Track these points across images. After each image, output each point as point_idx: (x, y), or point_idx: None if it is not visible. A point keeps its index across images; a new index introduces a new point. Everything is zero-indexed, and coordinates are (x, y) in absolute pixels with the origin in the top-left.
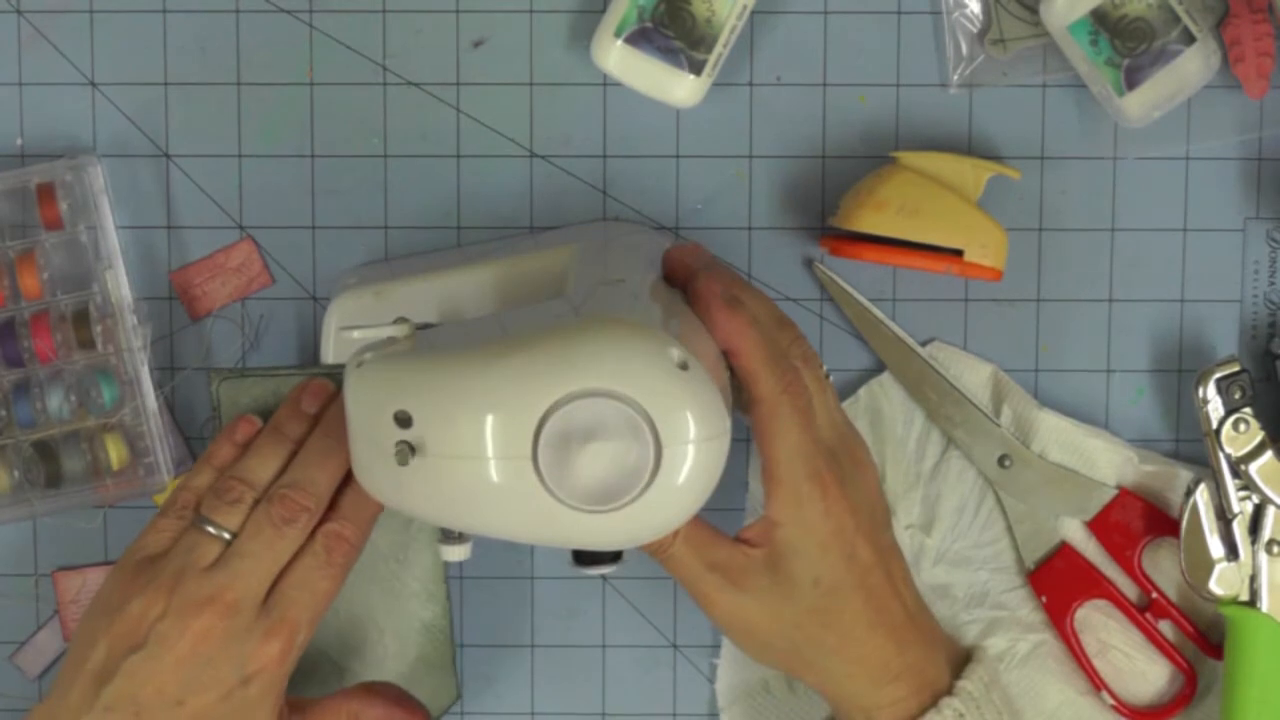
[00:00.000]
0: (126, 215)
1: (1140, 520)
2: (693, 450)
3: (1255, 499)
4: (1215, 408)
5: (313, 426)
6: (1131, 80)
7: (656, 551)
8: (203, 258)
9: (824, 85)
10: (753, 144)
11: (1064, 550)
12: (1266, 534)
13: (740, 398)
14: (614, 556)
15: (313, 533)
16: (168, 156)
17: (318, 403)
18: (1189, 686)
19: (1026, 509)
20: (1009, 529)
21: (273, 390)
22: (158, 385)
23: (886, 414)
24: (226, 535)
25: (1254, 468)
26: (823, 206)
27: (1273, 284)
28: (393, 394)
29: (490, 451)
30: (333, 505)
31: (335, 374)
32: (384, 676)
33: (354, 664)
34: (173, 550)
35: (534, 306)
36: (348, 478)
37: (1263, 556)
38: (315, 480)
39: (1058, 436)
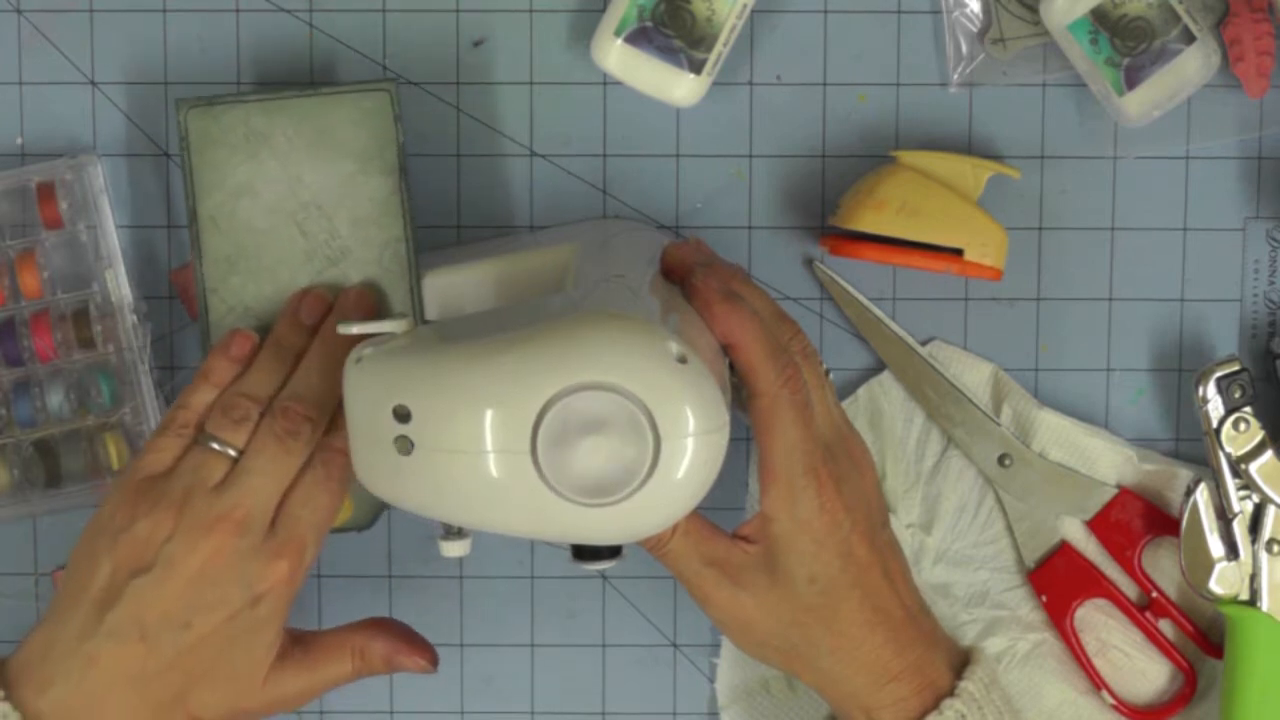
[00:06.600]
0: (126, 215)
1: (1140, 519)
2: (691, 444)
3: (1255, 498)
4: (1215, 407)
5: (312, 337)
6: (1131, 80)
7: (654, 547)
8: None
9: (824, 85)
10: (753, 143)
11: (1064, 549)
12: (1266, 533)
13: (740, 396)
14: (614, 551)
15: None
16: (168, 156)
17: (317, 314)
18: (1189, 686)
19: (1026, 508)
20: (1009, 528)
21: (243, 119)
22: (158, 385)
23: (886, 413)
24: (233, 453)
25: (1254, 467)
26: (823, 206)
27: (1273, 284)
28: (392, 389)
29: (489, 445)
30: (330, 419)
31: (308, 96)
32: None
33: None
34: (178, 469)
35: (533, 302)
36: None
37: (1263, 556)
38: (316, 391)
39: (1058, 436)
